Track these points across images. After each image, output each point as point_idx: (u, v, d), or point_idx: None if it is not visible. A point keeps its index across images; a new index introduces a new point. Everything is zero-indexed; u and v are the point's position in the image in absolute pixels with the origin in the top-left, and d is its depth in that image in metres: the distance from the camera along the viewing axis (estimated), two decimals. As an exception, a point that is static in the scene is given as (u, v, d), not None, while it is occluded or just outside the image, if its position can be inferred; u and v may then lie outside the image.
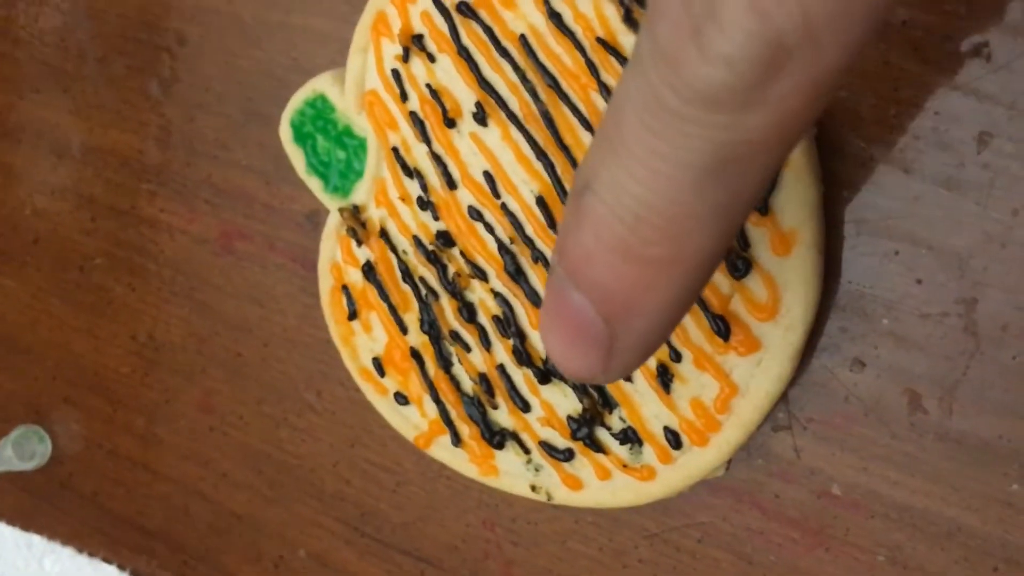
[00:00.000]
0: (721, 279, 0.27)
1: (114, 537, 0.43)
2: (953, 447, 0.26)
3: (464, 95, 0.29)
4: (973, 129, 0.25)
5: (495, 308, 0.30)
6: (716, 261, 0.17)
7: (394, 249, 0.31)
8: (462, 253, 0.30)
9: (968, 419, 0.26)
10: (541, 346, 0.29)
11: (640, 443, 0.29)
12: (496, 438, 0.31)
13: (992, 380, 0.26)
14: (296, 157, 0.33)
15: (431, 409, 0.32)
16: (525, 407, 0.30)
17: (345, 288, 0.32)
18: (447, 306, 0.31)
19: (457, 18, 0.29)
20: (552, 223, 0.28)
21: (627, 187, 0.15)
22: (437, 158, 0.30)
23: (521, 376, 0.30)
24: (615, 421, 0.29)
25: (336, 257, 0.33)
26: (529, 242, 0.29)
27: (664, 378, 0.28)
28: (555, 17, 0.27)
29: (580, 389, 0.29)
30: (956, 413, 0.26)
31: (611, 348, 0.17)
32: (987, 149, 0.25)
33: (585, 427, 0.29)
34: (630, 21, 0.26)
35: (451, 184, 0.30)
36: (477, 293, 0.30)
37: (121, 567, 0.44)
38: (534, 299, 0.29)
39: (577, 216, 0.16)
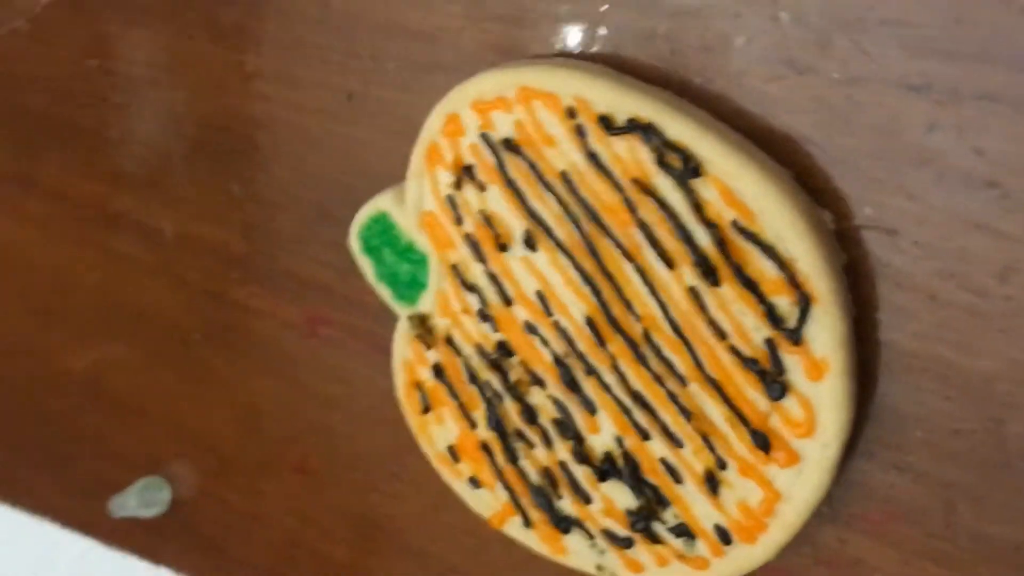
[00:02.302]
0: (759, 398, 0.28)
1: (233, 575, 0.48)
2: (986, 548, 0.28)
3: (514, 222, 0.31)
4: (996, 264, 0.26)
5: (554, 412, 0.32)
6: None
7: (459, 354, 0.34)
8: (521, 362, 0.32)
9: (999, 524, 0.28)
10: (598, 448, 0.32)
11: (693, 537, 0.31)
12: (562, 524, 0.33)
13: (1022, 490, 0.27)
14: (366, 266, 0.35)
15: (503, 494, 0.35)
16: (586, 500, 0.33)
17: (418, 385, 0.35)
18: (510, 407, 0.33)
19: (503, 153, 0.30)
20: (601, 341, 0.30)
21: None
22: (493, 277, 0.32)
23: (581, 472, 0.32)
24: (669, 517, 0.31)
25: (408, 357, 0.35)
26: (581, 357, 0.31)
27: (712, 483, 0.30)
28: (593, 157, 0.29)
29: (635, 488, 0.31)
30: (987, 519, 0.28)
31: None
32: (1009, 283, 0.26)
33: (642, 521, 0.32)
34: (663, 164, 0.28)
35: (507, 301, 0.32)
36: (537, 398, 0.33)
37: (240, 601, 0.48)
38: (589, 407, 0.31)
39: None
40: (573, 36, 0.31)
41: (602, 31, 0.30)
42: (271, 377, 0.43)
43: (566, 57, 0.31)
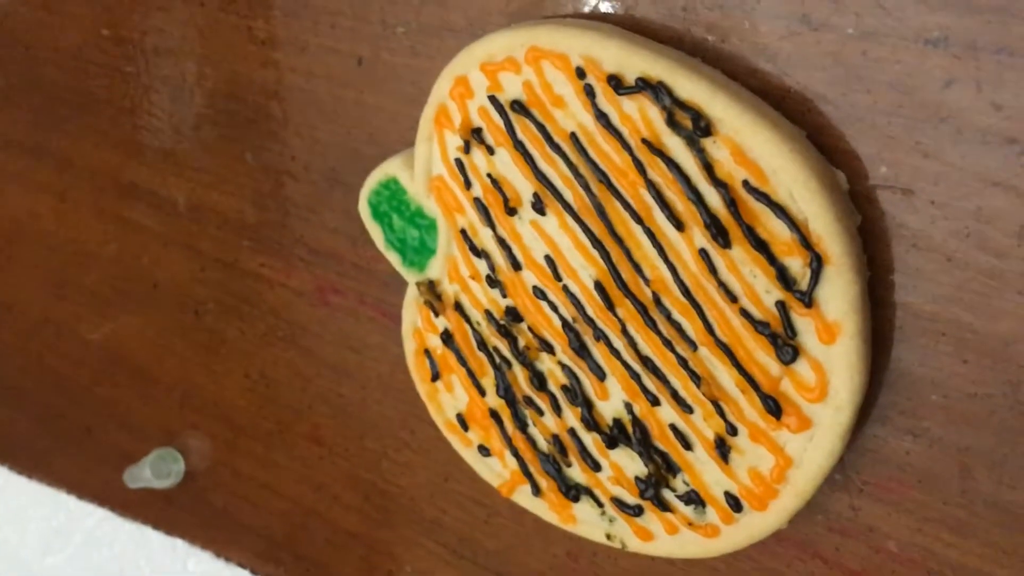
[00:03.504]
0: (770, 362, 0.28)
1: (246, 545, 0.48)
2: (1002, 514, 0.27)
3: (523, 185, 0.31)
4: (1014, 223, 0.25)
5: (563, 378, 0.32)
6: None
7: (468, 320, 0.33)
8: (530, 328, 0.32)
9: (1017, 490, 0.27)
10: (607, 414, 0.32)
11: (703, 505, 0.31)
12: (572, 492, 0.33)
13: (1040, 456, 0.26)
14: (375, 232, 0.35)
15: (512, 462, 0.34)
16: (596, 467, 0.32)
17: (427, 352, 0.35)
18: (519, 374, 0.33)
19: (511, 114, 0.30)
20: (611, 306, 0.30)
21: None
22: (502, 241, 0.32)
23: (591, 439, 0.32)
24: (679, 484, 0.31)
25: (417, 323, 0.35)
26: (590, 322, 0.31)
27: (722, 449, 0.29)
28: (602, 117, 0.28)
29: (645, 454, 0.31)
30: (1005, 484, 0.27)
31: None
32: (1028, 242, 0.25)
33: (652, 488, 0.31)
34: (673, 123, 0.27)
35: (516, 266, 0.32)
36: (546, 364, 0.32)
37: (254, 571, 0.48)
38: (598, 373, 0.31)
39: None
40: (584, -3, 0.30)
41: (613, -9, 0.30)
42: (283, 346, 0.43)
43: (577, 17, 0.30)
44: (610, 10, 0.30)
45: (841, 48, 0.26)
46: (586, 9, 0.30)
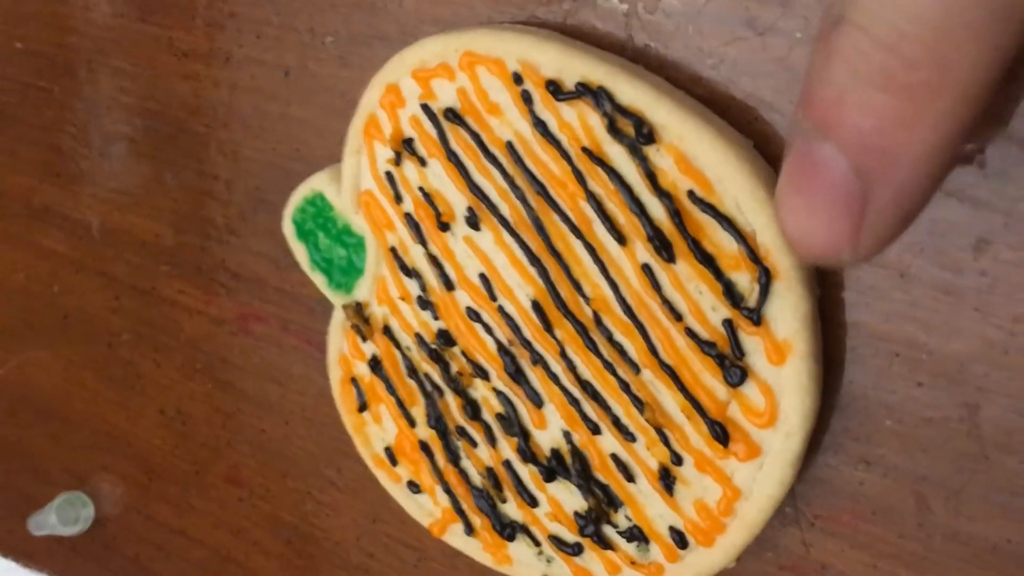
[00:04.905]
0: (717, 385, 0.26)
1: (158, 597, 0.45)
2: (961, 548, 0.26)
3: (456, 199, 0.29)
4: (970, 236, 0.24)
5: (498, 406, 0.30)
6: (985, 96, 0.15)
7: (398, 345, 0.31)
8: (463, 352, 0.30)
9: (975, 522, 0.26)
10: (545, 445, 0.30)
11: (647, 541, 0.29)
12: (507, 530, 0.31)
13: (998, 484, 0.25)
14: (300, 253, 0.33)
15: (443, 499, 0.32)
16: (532, 502, 0.30)
17: (354, 380, 0.33)
18: (452, 402, 0.31)
19: (445, 124, 0.28)
20: (548, 327, 0.28)
21: (887, 2, 0.14)
22: (434, 259, 0.30)
23: (527, 472, 0.30)
24: (621, 519, 0.29)
25: (344, 350, 0.33)
26: (527, 344, 0.29)
27: (666, 480, 0.28)
28: (540, 125, 0.27)
29: (584, 488, 0.29)
30: (963, 515, 0.26)
31: (864, 211, 0.15)
32: (985, 256, 0.24)
33: (591, 524, 0.29)
34: (614, 131, 0.26)
35: (448, 285, 0.30)
36: (480, 391, 0.30)
37: (166, 625, 0.45)
38: (535, 400, 0.29)
39: (826, 54, 0.15)
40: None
41: None
42: (201, 379, 0.40)
43: (514, 23, 0.29)
44: (548, 16, 0.29)
45: (788, 54, 0.25)
46: (523, 16, 0.29)
